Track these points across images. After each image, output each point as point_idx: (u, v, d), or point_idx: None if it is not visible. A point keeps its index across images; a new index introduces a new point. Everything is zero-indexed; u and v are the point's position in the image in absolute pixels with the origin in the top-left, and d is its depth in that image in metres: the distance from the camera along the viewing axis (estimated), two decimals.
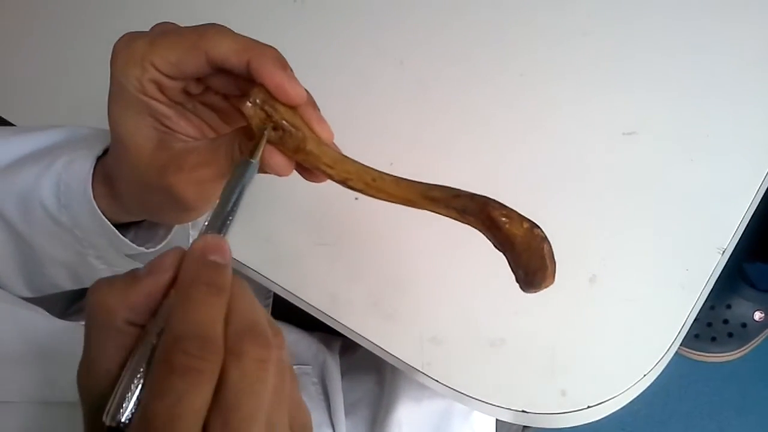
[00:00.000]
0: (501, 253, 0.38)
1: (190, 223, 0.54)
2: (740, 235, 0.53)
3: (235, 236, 0.60)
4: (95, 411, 0.29)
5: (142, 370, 0.28)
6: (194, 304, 0.28)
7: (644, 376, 0.49)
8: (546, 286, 0.38)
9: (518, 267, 0.38)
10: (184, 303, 0.29)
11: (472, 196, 0.38)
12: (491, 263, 0.54)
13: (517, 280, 0.38)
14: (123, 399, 0.28)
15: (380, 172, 0.39)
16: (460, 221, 0.38)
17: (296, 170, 0.41)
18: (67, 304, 0.71)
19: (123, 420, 0.28)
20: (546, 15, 0.63)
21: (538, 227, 0.37)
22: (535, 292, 0.38)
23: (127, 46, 0.38)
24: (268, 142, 0.37)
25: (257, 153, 0.36)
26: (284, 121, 0.37)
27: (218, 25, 0.38)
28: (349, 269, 0.56)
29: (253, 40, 0.38)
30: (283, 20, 0.68)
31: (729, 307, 1.20)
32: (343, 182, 0.39)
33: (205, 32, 0.37)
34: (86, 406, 0.30)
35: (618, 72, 0.60)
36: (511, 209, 0.37)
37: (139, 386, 0.28)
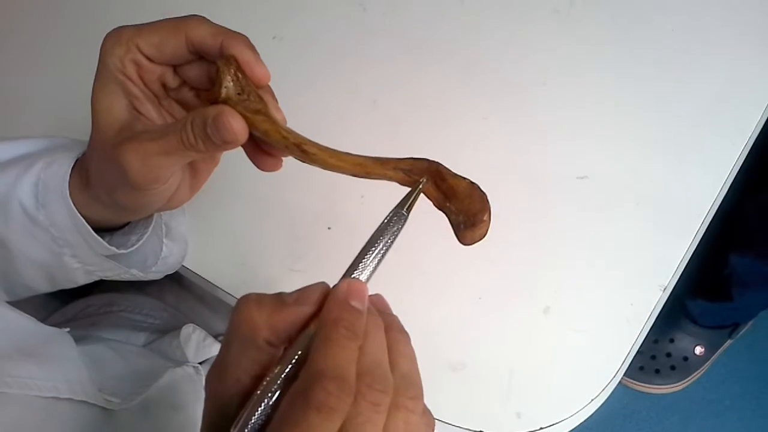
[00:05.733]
0: (441, 212, 0.41)
1: (164, 231, 0.55)
2: (681, 274, 0.57)
3: (210, 258, 0.62)
4: (219, 412, 0.31)
5: (273, 392, 0.30)
6: (334, 345, 0.30)
7: (592, 400, 0.52)
8: (484, 230, 0.40)
9: (459, 213, 0.40)
10: (325, 342, 0.31)
11: (419, 159, 0.41)
12: (455, 291, 0.58)
13: (456, 230, 0.40)
14: (252, 415, 0.30)
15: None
16: (403, 183, 0.41)
17: (249, 157, 0.44)
18: (45, 314, 0.70)
19: None
20: (510, 66, 0.67)
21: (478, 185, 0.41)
22: (473, 239, 0.40)
23: (117, 31, 0.42)
24: (231, 103, 0.40)
25: (411, 205, 0.39)
26: (249, 87, 0.41)
27: (199, 15, 0.42)
28: None
29: (229, 29, 0.42)
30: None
31: (672, 341, 1.25)
32: (298, 146, 0.40)
33: (187, 18, 0.42)
34: (211, 405, 0.32)
35: (573, 120, 0.64)
36: None
37: (268, 406, 0.30)
